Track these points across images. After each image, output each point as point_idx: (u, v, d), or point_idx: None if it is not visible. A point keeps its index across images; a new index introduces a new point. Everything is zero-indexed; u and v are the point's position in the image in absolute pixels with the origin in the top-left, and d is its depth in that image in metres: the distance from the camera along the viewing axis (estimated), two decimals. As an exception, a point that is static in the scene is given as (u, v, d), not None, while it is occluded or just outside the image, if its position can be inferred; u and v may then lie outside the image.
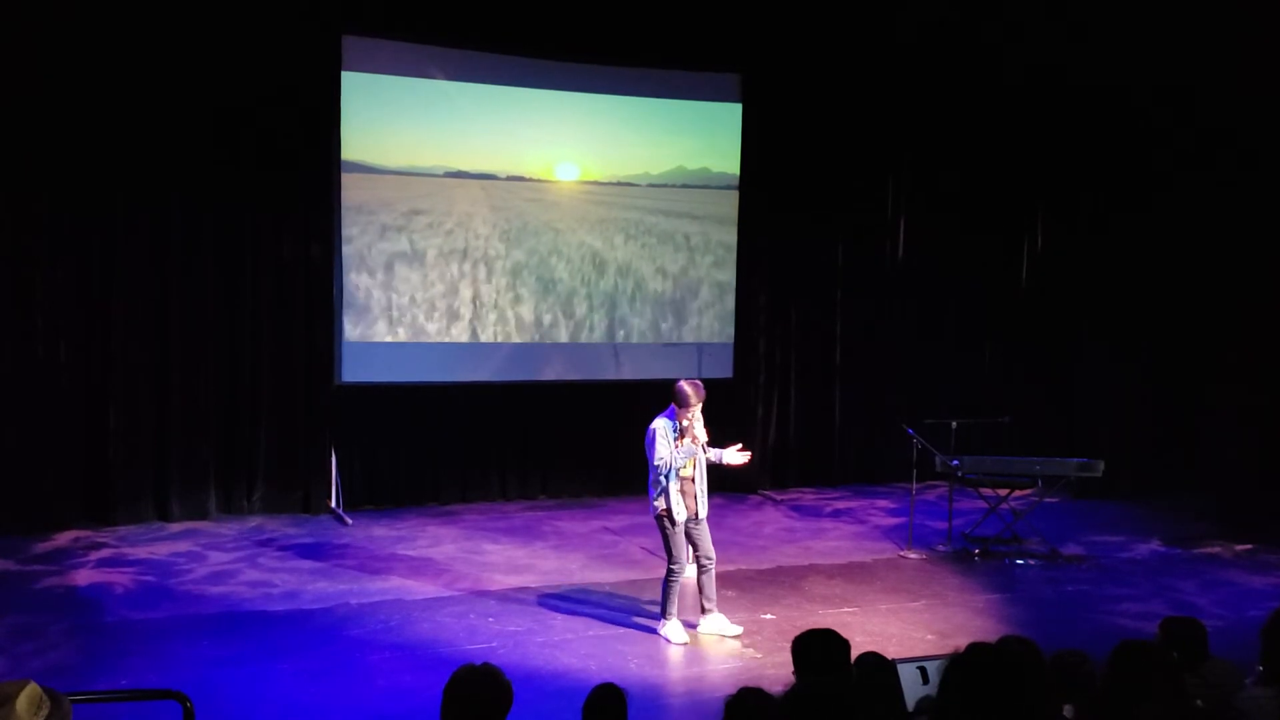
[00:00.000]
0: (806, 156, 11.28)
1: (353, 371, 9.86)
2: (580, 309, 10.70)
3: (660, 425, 6.56)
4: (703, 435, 6.63)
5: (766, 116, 11.10)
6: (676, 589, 6.67)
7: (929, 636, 6.72)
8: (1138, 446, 11.03)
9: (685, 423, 6.55)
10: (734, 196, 11.18)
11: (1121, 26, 10.37)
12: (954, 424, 9.57)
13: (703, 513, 6.66)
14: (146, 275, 9.09)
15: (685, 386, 6.55)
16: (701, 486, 6.66)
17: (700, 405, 6.55)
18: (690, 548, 6.68)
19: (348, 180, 9.72)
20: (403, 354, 10.04)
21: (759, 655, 6.41)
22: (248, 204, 9.39)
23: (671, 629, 6.66)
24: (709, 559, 6.71)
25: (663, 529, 6.64)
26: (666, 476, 6.51)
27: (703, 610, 6.76)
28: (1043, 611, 7.35)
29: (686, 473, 6.59)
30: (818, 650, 3.71)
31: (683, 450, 6.53)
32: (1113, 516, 10.19)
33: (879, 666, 3.69)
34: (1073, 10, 10.63)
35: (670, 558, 6.64)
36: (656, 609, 6.84)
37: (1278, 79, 9.59)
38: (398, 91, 9.90)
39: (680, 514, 6.55)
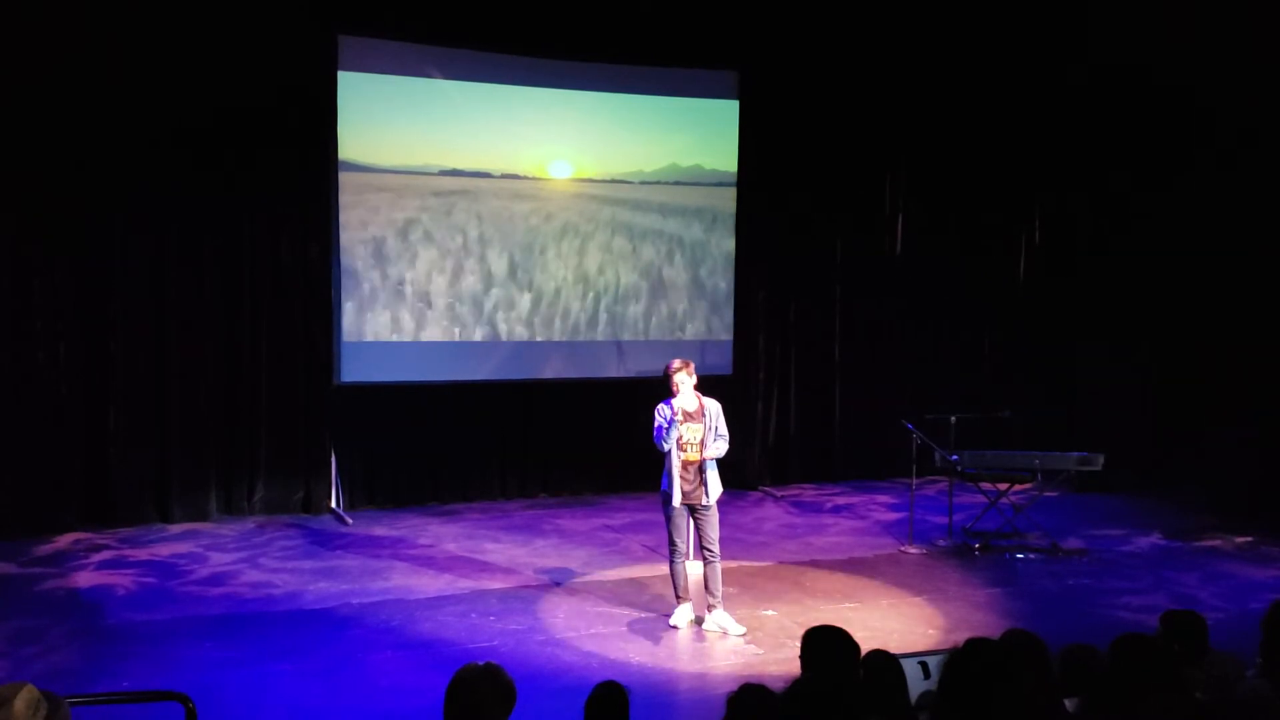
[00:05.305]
0: (804, 153, 11.28)
1: (352, 371, 9.85)
2: (578, 307, 10.69)
3: (660, 405, 6.68)
4: (717, 421, 6.65)
5: (763, 113, 11.10)
6: (677, 572, 6.76)
7: (930, 631, 6.72)
8: (1137, 440, 11.01)
9: (675, 399, 6.62)
10: (731, 193, 11.17)
11: (1119, 21, 10.35)
12: (953, 419, 9.56)
13: (705, 500, 6.66)
14: (144, 277, 9.09)
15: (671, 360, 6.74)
16: (712, 474, 6.66)
17: (686, 377, 6.62)
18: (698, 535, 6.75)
19: (345, 180, 9.71)
20: (401, 353, 10.04)
21: (760, 651, 6.41)
22: (245, 204, 9.39)
23: (676, 612, 6.79)
24: (710, 550, 6.70)
25: (662, 509, 6.77)
26: (666, 454, 6.58)
27: (708, 607, 6.76)
28: (1044, 605, 7.35)
29: (691, 456, 6.59)
30: (825, 646, 3.70)
31: (659, 418, 6.58)
32: (1113, 510, 10.19)
33: (886, 665, 3.68)
34: (1070, 6, 10.62)
35: (669, 539, 6.74)
36: (658, 606, 6.96)
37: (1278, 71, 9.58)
38: (394, 91, 9.89)
39: (675, 496, 6.59)
